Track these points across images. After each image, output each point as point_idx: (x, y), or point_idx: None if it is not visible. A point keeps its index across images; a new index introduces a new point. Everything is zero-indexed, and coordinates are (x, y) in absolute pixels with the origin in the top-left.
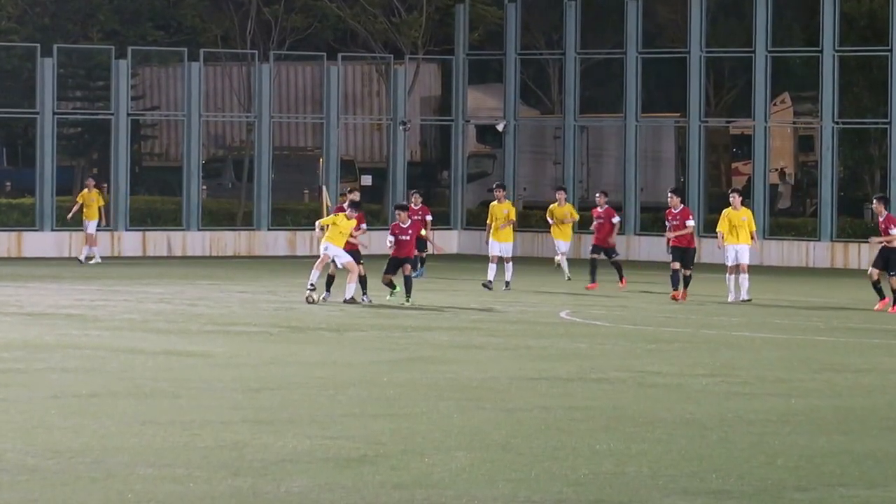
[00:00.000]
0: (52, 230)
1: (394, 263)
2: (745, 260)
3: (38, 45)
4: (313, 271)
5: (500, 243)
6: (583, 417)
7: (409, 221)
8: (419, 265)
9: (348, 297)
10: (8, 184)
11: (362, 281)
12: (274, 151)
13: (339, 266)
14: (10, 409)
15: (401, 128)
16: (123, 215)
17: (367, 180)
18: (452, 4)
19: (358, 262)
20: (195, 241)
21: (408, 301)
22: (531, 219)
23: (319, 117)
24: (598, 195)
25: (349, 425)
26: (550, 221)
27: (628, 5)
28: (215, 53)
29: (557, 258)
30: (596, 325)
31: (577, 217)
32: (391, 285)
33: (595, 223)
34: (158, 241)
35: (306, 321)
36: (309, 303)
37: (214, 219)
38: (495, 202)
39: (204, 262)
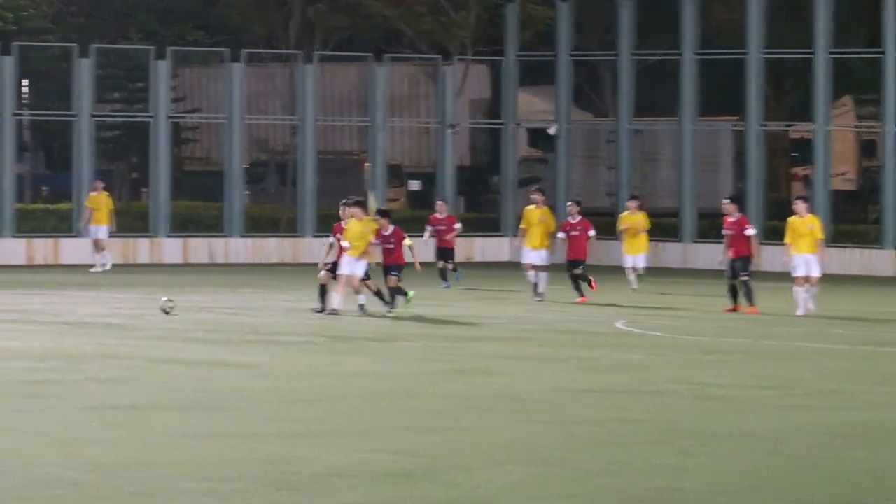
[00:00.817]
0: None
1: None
2: (815, 272)
3: (75, 45)
4: (336, 295)
5: (535, 251)
6: (637, 431)
7: (391, 229)
8: (454, 270)
9: (334, 307)
10: (45, 188)
11: (391, 293)
12: (318, 155)
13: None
14: (48, 421)
15: (449, 131)
16: (164, 221)
17: (415, 185)
18: (502, 4)
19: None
20: (237, 248)
21: (390, 311)
22: None
23: (365, 120)
24: (569, 204)
25: (397, 438)
26: (621, 230)
27: (684, 5)
28: (258, 54)
29: (634, 271)
30: (652, 336)
31: (649, 226)
32: (401, 292)
33: (568, 236)
34: (200, 248)
35: (352, 331)
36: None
37: (257, 225)
38: (532, 206)
39: (247, 270)
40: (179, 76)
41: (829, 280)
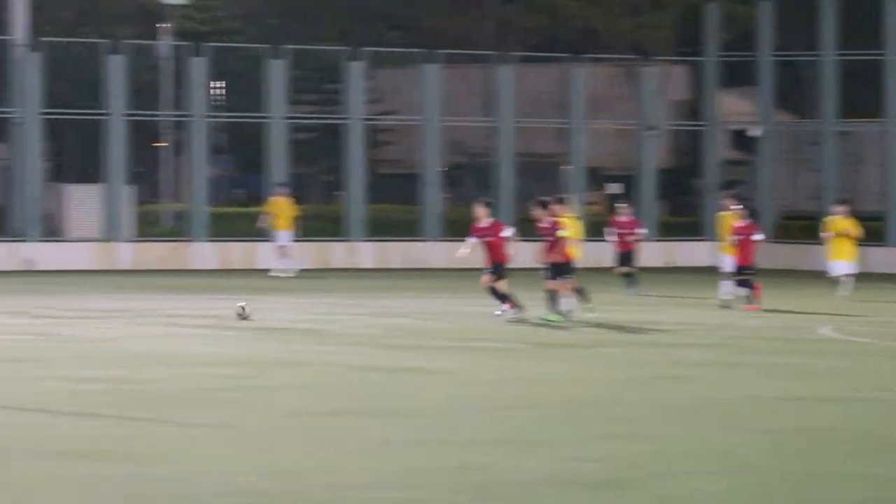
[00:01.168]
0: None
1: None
2: None
3: (268, 46)
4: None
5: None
6: (847, 440)
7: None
8: (632, 276)
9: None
10: (238, 192)
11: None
12: (516, 158)
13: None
14: (241, 429)
15: (648, 133)
16: (359, 225)
17: (614, 188)
18: (703, 3)
19: (563, 276)
20: (434, 252)
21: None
22: (789, 230)
23: (563, 122)
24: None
25: (598, 446)
26: (827, 236)
27: (888, 4)
28: (454, 55)
29: (844, 278)
30: (858, 342)
31: (860, 233)
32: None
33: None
34: (396, 252)
35: (551, 337)
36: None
37: (455, 228)
38: (727, 212)
39: (444, 275)
40: (374, 78)
41: None
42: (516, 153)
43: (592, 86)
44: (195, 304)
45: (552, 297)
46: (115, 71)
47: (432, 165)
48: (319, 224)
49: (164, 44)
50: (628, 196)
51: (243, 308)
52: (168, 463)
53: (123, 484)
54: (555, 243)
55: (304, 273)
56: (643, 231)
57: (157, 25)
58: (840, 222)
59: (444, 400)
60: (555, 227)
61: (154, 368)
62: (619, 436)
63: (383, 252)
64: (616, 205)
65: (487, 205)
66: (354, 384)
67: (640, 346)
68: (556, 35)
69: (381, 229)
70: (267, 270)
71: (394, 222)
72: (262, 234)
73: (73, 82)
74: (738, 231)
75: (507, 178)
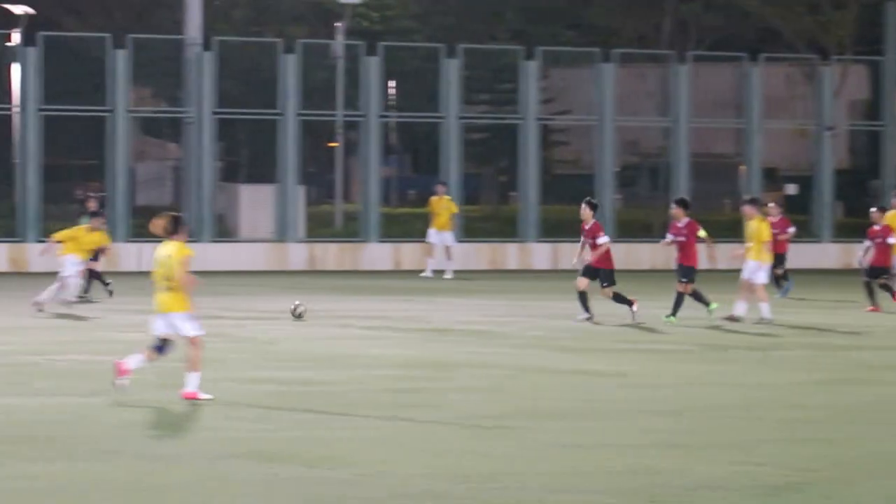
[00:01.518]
0: (459, 241)
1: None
2: None
3: (442, 45)
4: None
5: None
6: None
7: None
8: (785, 279)
9: None
10: (411, 192)
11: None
12: (691, 158)
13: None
14: (417, 431)
15: (827, 133)
16: (533, 226)
17: (791, 189)
18: (883, 1)
19: (611, 284)
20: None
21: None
22: None
23: (740, 122)
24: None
25: (772, 450)
26: None
27: None
28: (629, 54)
29: None
30: None
31: None
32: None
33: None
34: (568, 254)
35: (726, 339)
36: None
37: (628, 230)
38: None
39: (621, 276)
40: (548, 77)
41: None
42: (691, 154)
43: (770, 85)
44: (367, 306)
45: (679, 299)
46: (289, 70)
47: (607, 166)
48: (494, 225)
49: (339, 43)
50: (804, 198)
51: (297, 307)
52: (344, 465)
53: (300, 484)
54: (687, 244)
55: (475, 274)
56: (792, 230)
57: (332, 24)
58: None
59: (615, 403)
60: (691, 228)
61: (327, 370)
62: (795, 440)
63: (556, 253)
64: (768, 205)
65: (593, 206)
66: (527, 387)
67: (819, 348)
68: (733, 34)
69: (554, 230)
70: (442, 272)
71: (567, 223)
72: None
73: (246, 82)
74: (872, 234)
75: (683, 179)
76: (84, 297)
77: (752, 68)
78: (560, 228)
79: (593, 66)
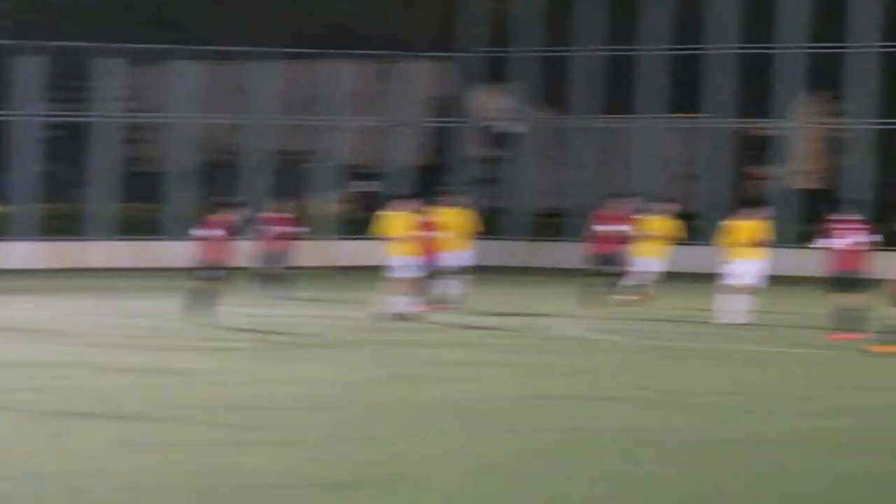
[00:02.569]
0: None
1: None
2: None
3: (15, 42)
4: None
5: None
6: (586, 439)
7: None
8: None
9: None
10: None
11: None
12: (269, 155)
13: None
14: None
15: (403, 130)
16: (108, 224)
17: (364, 186)
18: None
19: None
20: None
21: None
22: (540, 227)
23: (317, 119)
24: None
25: (338, 447)
26: (640, 235)
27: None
28: (209, 52)
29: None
30: (617, 341)
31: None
32: None
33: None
34: (150, 251)
35: (303, 336)
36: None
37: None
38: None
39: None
40: (130, 75)
41: None
42: (267, 151)
43: (348, 82)
44: None
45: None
46: None
47: (184, 163)
48: (68, 223)
49: None
50: (379, 194)
51: None
52: None
53: None
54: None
55: (44, 273)
56: (303, 230)
57: None
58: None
59: (187, 400)
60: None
61: None
62: (362, 437)
63: (139, 251)
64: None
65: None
66: (96, 384)
67: (382, 345)
68: (314, 31)
69: (134, 229)
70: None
71: (144, 221)
72: None
73: None
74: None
75: (259, 176)
76: None
77: (329, 65)
78: (138, 226)
79: (172, 63)
